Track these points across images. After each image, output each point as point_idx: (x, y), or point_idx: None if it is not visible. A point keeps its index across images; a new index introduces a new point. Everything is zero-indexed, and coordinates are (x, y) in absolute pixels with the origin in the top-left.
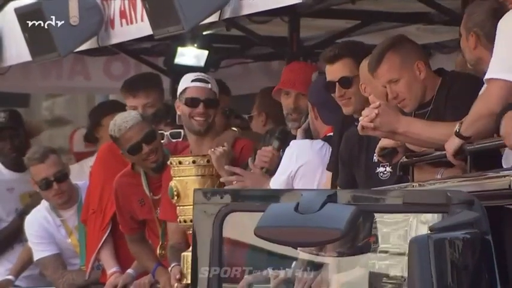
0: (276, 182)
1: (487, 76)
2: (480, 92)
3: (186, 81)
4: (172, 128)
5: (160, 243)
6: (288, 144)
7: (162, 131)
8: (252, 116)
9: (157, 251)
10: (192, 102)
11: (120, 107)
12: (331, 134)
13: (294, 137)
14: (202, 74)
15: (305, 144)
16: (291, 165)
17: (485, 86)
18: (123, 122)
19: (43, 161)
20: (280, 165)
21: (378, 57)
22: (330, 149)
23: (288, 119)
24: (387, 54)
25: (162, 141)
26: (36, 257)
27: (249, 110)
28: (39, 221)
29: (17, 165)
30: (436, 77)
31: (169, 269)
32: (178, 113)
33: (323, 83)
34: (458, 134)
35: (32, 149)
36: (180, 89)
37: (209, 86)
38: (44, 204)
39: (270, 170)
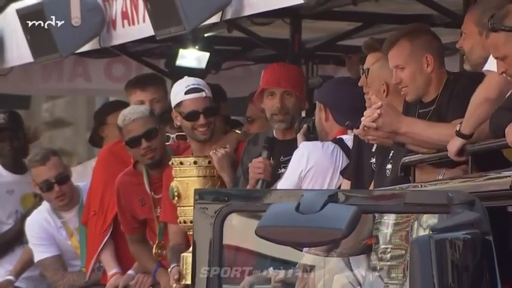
0: (286, 185)
1: (487, 66)
2: None
3: (179, 93)
4: (178, 131)
5: (157, 241)
6: (274, 149)
7: (168, 134)
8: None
9: (154, 250)
10: (191, 116)
11: (125, 106)
12: (341, 136)
13: (280, 141)
14: (193, 80)
15: (316, 146)
16: (302, 166)
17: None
18: (129, 113)
19: (44, 163)
20: (289, 167)
21: (392, 41)
22: (341, 152)
23: (273, 120)
24: (401, 40)
25: (167, 143)
26: (36, 258)
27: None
28: (39, 223)
29: (17, 167)
30: (444, 76)
31: (169, 270)
32: (177, 123)
33: (336, 84)
34: (459, 133)
35: (33, 150)
36: (174, 100)
37: (203, 94)
38: (45, 205)
39: (267, 180)
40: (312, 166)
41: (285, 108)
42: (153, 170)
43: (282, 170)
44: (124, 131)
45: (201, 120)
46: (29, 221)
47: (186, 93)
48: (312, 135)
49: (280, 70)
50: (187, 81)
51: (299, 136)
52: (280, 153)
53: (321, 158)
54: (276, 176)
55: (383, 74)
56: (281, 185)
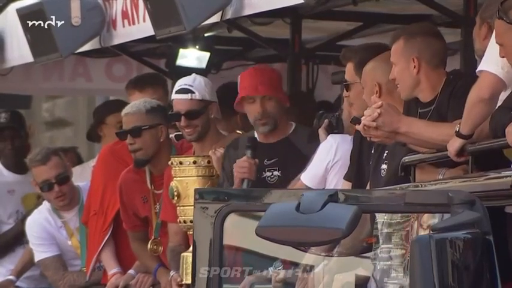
0: (310, 176)
1: (480, 67)
2: None
3: (174, 91)
4: (177, 131)
5: (153, 237)
6: (256, 149)
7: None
8: None
9: (149, 246)
10: (173, 117)
11: (124, 106)
12: None
13: (264, 144)
14: (188, 80)
15: (345, 139)
16: (329, 157)
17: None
18: (130, 106)
19: (45, 163)
20: (315, 158)
21: (394, 37)
22: None
23: (256, 125)
24: (400, 38)
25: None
26: (37, 258)
27: None
28: (40, 222)
29: (19, 167)
30: (442, 76)
31: (170, 277)
32: None
33: None
34: (458, 134)
35: (35, 150)
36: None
37: (189, 96)
38: (45, 205)
39: (252, 180)
40: (340, 158)
41: (267, 112)
42: (139, 167)
43: (267, 173)
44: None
45: (183, 122)
46: (30, 221)
47: (176, 92)
48: (335, 130)
49: (257, 75)
50: (183, 80)
51: (321, 131)
52: (264, 156)
53: (349, 151)
54: (261, 180)
55: (376, 74)
56: (305, 175)
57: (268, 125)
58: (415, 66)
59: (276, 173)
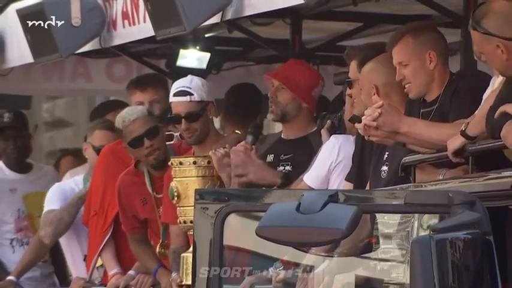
0: (312, 176)
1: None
2: (488, 90)
3: (171, 94)
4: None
5: (160, 241)
6: (258, 136)
7: (171, 132)
8: None
9: (157, 249)
10: (174, 120)
11: (123, 106)
12: None
13: (284, 140)
14: (185, 82)
15: (348, 139)
16: (332, 157)
17: (491, 83)
18: (128, 114)
19: (110, 129)
20: (317, 159)
21: (396, 38)
22: None
23: (269, 111)
24: (404, 36)
25: (171, 142)
26: (44, 210)
27: None
28: (62, 185)
29: (21, 166)
30: (447, 75)
31: (171, 279)
32: None
33: None
34: (463, 134)
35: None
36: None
37: (188, 98)
38: (75, 179)
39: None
40: (343, 159)
41: (275, 100)
42: (157, 170)
43: (280, 167)
44: (125, 132)
45: (183, 125)
46: (55, 185)
47: (174, 95)
48: (338, 131)
49: (289, 65)
50: (180, 82)
51: (323, 132)
52: (282, 151)
53: (352, 151)
54: None
55: (372, 76)
56: (308, 176)
57: (274, 114)
58: (431, 61)
59: (287, 167)
